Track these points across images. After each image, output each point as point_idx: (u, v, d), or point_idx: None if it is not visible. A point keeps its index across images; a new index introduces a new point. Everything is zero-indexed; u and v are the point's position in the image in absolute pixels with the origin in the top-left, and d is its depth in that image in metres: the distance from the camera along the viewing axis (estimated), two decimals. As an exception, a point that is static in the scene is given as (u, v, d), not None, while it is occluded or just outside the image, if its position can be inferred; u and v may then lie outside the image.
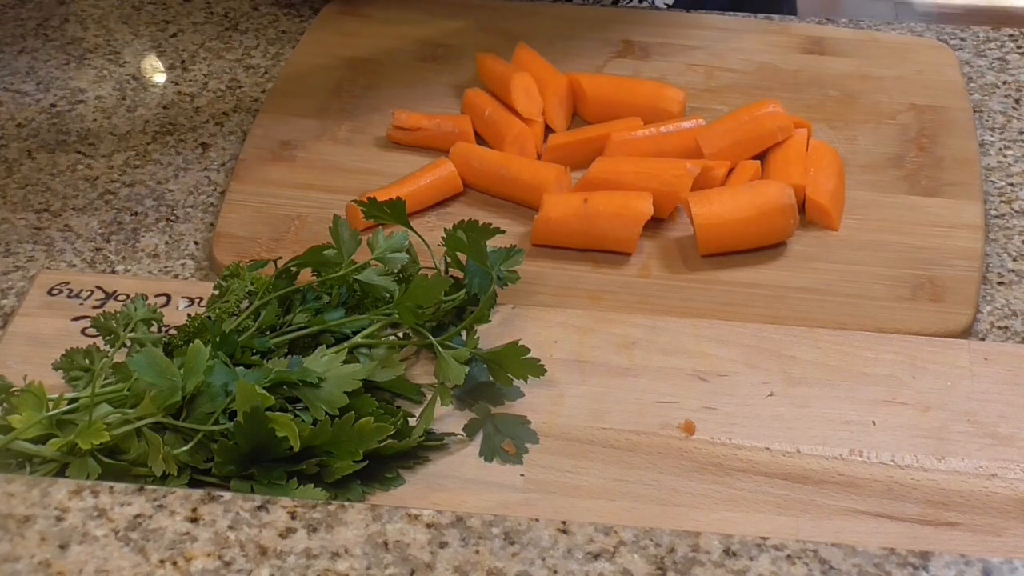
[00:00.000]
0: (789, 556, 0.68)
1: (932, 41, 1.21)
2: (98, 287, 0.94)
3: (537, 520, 0.69)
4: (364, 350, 0.86)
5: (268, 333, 0.87)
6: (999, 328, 0.93)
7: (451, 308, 0.89)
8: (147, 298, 0.89)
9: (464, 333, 0.88)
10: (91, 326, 0.88)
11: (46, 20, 1.26)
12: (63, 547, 0.67)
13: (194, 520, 0.69)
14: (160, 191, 1.06)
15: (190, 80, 1.18)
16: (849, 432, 0.84)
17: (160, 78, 1.19)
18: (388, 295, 0.88)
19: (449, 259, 0.92)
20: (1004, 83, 1.17)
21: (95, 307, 0.92)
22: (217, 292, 0.89)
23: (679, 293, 0.95)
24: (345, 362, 0.83)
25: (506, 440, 0.83)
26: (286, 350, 0.86)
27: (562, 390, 0.87)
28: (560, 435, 0.84)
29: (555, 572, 0.67)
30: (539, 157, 1.06)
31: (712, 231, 0.96)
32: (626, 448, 0.83)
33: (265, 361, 0.84)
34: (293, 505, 0.70)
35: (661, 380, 0.87)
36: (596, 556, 0.68)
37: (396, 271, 0.89)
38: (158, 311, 0.87)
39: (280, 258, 0.92)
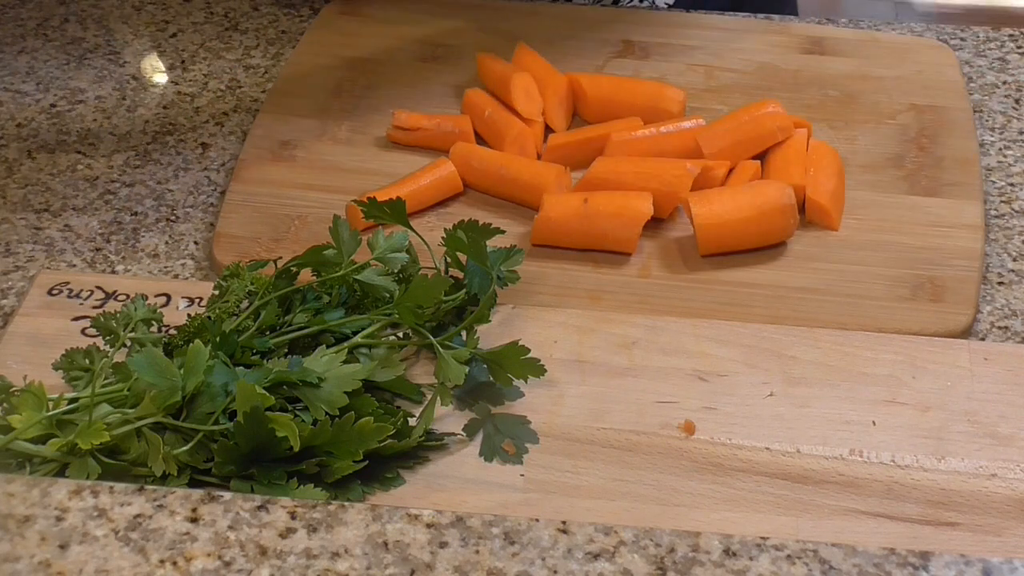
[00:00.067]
0: (789, 556, 0.68)
1: (932, 41, 1.21)
2: (98, 287, 0.94)
3: (537, 520, 0.69)
4: (364, 350, 0.86)
5: (268, 333, 0.87)
6: (999, 328, 0.93)
7: (451, 308, 0.89)
8: (147, 298, 0.89)
9: (464, 333, 0.88)
10: (91, 326, 0.88)
11: (46, 20, 1.26)
12: (63, 547, 0.67)
13: (194, 520, 0.69)
14: (160, 191, 1.06)
15: (190, 80, 1.18)
16: (849, 432, 0.84)
17: (160, 78, 1.19)
18: (388, 295, 0.88)
19: (449, 259, 0.92)
20: (1004, 83, 1.17)
21: (95, 307, 0.92)
22: (217, 292, 0.89)
23: (679, 293, 0.95)
24: (345, 362, 0.83)
25: (506, 440, 0.83)
26: (286, 350, 0.86)
27: (562, 390, 0.87)
28: (560, 435, 0.84)
29: (555, 572, 0.67)
30: (539, 157, 1.06)
31: (712, 231, 0.96)
32: (626, 448, 0.83)
33: (265, 361, 0.84)
34: (293, 505, 0.70)
35: (661, 380, 0.87)
36: (596, 556, 0.68)
37: (396, 271, 0.89)
38: (158, 311, 0.87)
39: (280, 258, 0.92)
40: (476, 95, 1.10)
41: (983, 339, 0.92)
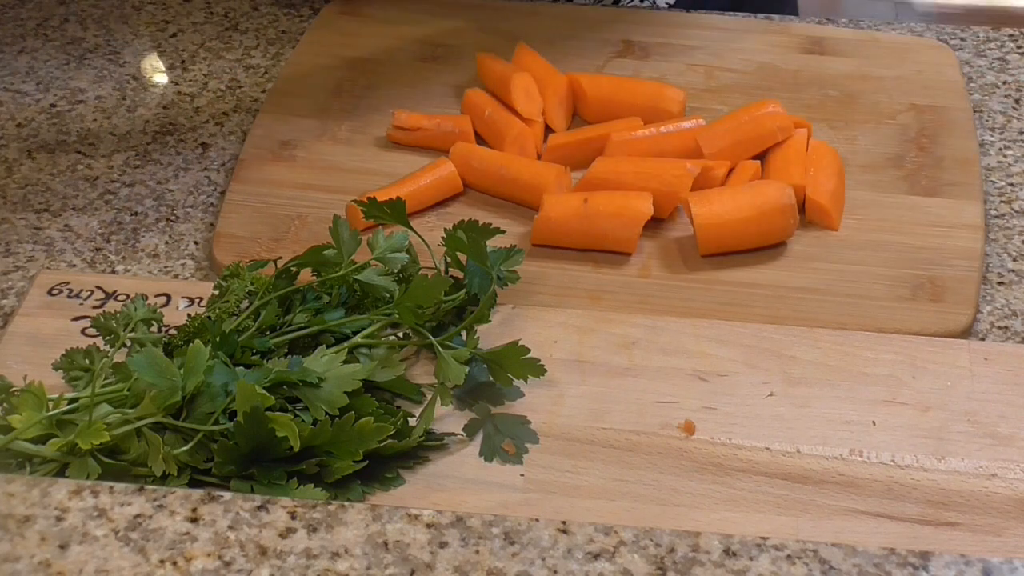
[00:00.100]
0: (789, 556, 0.68)
1: (932, 41, 1.21)
2: (98, 287, 0.94)
3: (537, 520, 0.69)
4: (364, 350, 0.86)
5: (268, 333, 0.87)
6: (999, 328, 0.93)
7: (451, 308, 0.89)
8: (147, 298, 0.89)
9: (464, 333, 0.88)
10: (91, 326, 0.88)
11: (46, 20, 1.26)
12: (63, 547, 0.67)
13: (194, 520, 0.69)
14: (160, 191, 1.06)
15: (190, 80, 1.18)
16: (849, 432, 0.84)
17: (160, 78, 1.19)
18: (388, 295, 0.88)
19: (449, 259, 0.92)
20: (1004, 83, 1.17)
21: (95, 307, 0.92)
22: (217, 292, 0.89)
23: (679, 293, 0.95)
24: (345, 362, 0.83)
25: (506, 440, 0.83)
26: (286, 350, 0.86)
27: (562, 390, 0.87)
28: (560, 435, 0.84)
29: (555, 572, 0.67)
30: (539, 157, 1.06)
31: (712, 231, 0.96)
32: (626, 448, 0.83)
33: (265, 361, 0.84)
34: (293, 505, 0.70)
35: (661, 380, 0.87)
36: (596, 556, 0.68)
37: (396, 271, 0.89)
38: (158, 311, 0.87)
39: (280, 258, 0.92)
40: (476, 95, 1.10)
41: (983, 339, 0.92)
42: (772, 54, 1.18)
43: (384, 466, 0.81)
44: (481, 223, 0.90)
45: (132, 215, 1.03)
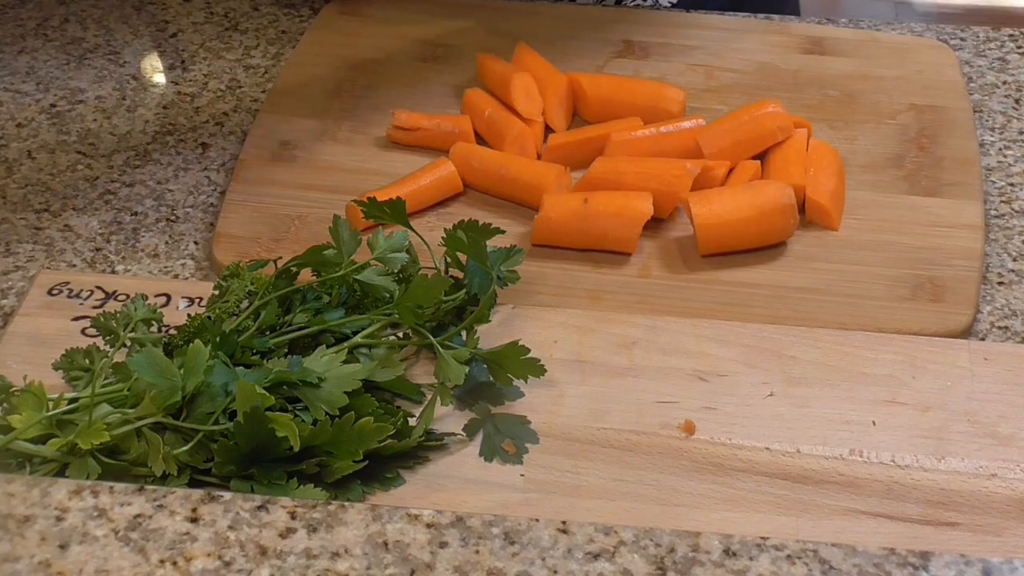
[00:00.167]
0: (789, 556, 0.68)
1: (932, 41, 1.21)
2: (98, 287, 0.94)
3: (537, 520, 0.69)
4: (364, 350, 0.86)
5: (268, 333, 0.87)
6: (999, 328, 0.93)
7: (451, 308, 0.89)
8: (147, 298, 0.89)
9: (464, 333, 0.88)
10: (91, 326, 0.88)
11: (46, 20, 1.26)
12: (63, 547, 0.67)
13: (194, 520, 0.69)
14: (160, 191, 1.06)
15: (190, 80, 1.18)
16: (849, 432, 0.84)
17: (160, 78, 1.19)
18: (388, 295, 0.88)
19: (449, 259, 0.92)
20: (1004, 83, 1.17)
21: (95, 307, 0.92)
22: (217, 292, 0.89)
23: (679, 293, 0.95)
24: (345, 362, 0.83)
25: (506, 440, 0.83)
26: (286, 350, 0.86)
27: (562, 390, 0.87)
28: (560, 435, 0.84)
29: (555, 572, 0.67)
30: (539, 157, 1.06)
31: (712, 231, 0.96)
32: (626, 448, 0.83)
33: (265, 361, 0.84)
34: (293, 505, 0.70)
35: (661, 380, 0.87)
36: (596, 556, 0.68)
37: (396, 271, 0.89)
38: (158, 311, 0.87)
39: (280, 258, 0.92)
40: (476, 95, 1.10)
41: (983, 339, 0.92)
42: (772, 54, 1.18)
43: (384, 466, 0.81)
44: (481, 223, 0.90)
45: (132, 215, 1.03)
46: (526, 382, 0.86)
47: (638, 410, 0.85)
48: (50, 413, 0.80)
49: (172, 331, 0.87)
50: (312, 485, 0.78)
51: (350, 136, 1.09)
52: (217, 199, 1.05)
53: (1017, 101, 1.15)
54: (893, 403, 0.86)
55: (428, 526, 0.69)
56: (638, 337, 0.90)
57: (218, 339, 0.83)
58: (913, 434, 0.84)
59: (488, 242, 0.90)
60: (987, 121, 1.12)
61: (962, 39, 1.22)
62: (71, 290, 0.93)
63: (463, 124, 1.07)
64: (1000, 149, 1.09)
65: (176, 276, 0.98)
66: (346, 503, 0.71)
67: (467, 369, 0.85)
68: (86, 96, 1.16)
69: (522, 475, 0.82)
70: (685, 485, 0.81)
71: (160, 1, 1.28)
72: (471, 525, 0.69)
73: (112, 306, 0.92)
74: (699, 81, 1.15)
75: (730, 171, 1.02)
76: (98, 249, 1.00)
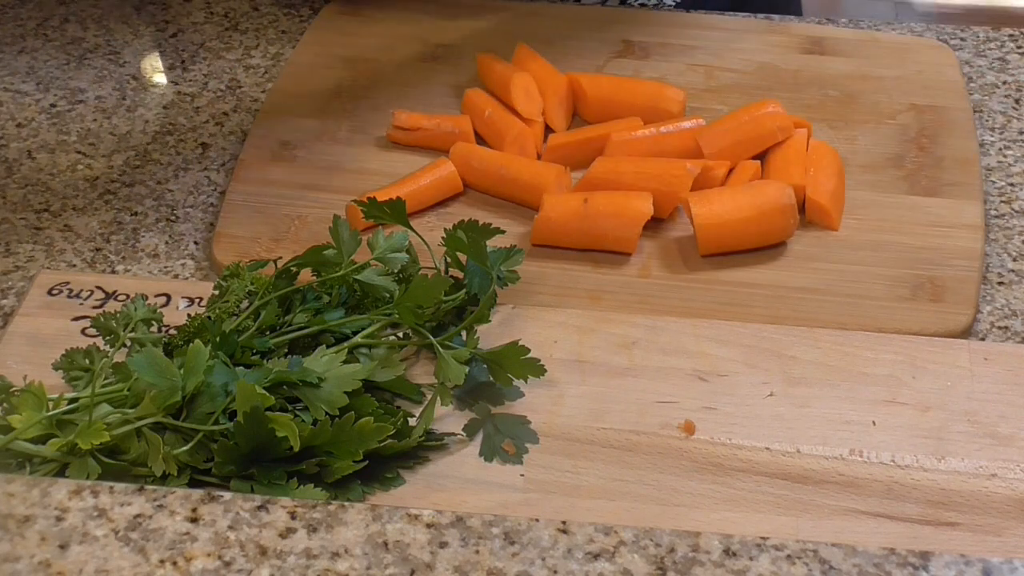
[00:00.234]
0: (789, 556, 0.68)
1: (932, 41, 1.21)
2: (98, 287, 0.94)
3: (537, 520, 0.69)
4: (364, 350, 0.86)
5: (268, 333, 0.87)
6: (999, 328, 0.93)
7: (451, 308, 0.89)
8: (147, 298, 0.89)
9: (464, 333, 0.88)
10: (91, 326, 0.88)
11: (46, 20, 1.26)
12: (63, 547, 0.67)
13: (194, 520, 0.69)
14: (160, 191, 1.06)
15: (190, 80, 1.18)
16: (849, 432, 0.84)
17: (160, 78, 1.19)
18: (388, 295, 0.88)
19: (449, 259, 0.92)
20: (1004, 83, 1.17)
21: (95, 307, 0.92)
22: (217, 292, 0.89)
23: (679, 293, 0.95)
24: (345, 362, 0.83)
25: (506, 440, 0.83)
26: (286, 350, 0.86)
27: (562, 390, 0.87)
28: (560, 435, 0.84)
29: (555, 572, 0.67)
30: (539, 157, 1.06)
31: (712, 231, 0.96)
32: (626, 448, 0.83)
33: (265, 361, 0.84)
34: (293, 505, 0.70)
35: (661, 380, 0.87)
36: (596, 556, 0.68)
37: (396, 271, 0.89)
38: (158, 311, 0.87)
39: (280, 258, 0.92)
40: (476, 95, 1.10)
41: (983, 339, 0.92)
42: (772, 54, 1.18)
43: (384, 466, 0.81)
44: (481, 223, 0.90)
45: (132, 215, 1.03)
46: (526, 382, 0.86)
47: (638, 410, 0.85)
48: (50, 413, 0.80)
49: (172, 331, 0.87)
50: (312, 485, 0.78)
51: (350, 136, 1.09)
52: (217, 199, 1.05)
53: (1017, 101, 1.15)
54: (893, 403, 0.86)
55: (428, 526, 0.69)
56: (638, 337, 0.90)
57: (218, 339, 0.83)
58: (913, 434, 0.84)
59: (488, 242, 0.90)
60: (987, 121, 1.12)
61: (962, 39, 1.22)
62: (71, 290, 0.93)
63: (463, 124, 1.07)
64: (1000, 149, 1.09)
65: (176, 276, 0.98)
66: (346, 503, 0.71)
67: (467, 369, 0.85)
68: (86, 96, 1.16)
69: (522, 475, 0.82)
70: (685, 485, 0.81)
71: (160, 1, 1.28)
72: (471, 525, 0.69)
73: (112, 306, 0.92)
74: (699, 81, 1.15)
75: (730, 171, 1.02)
76: (98, 249, 1.00)
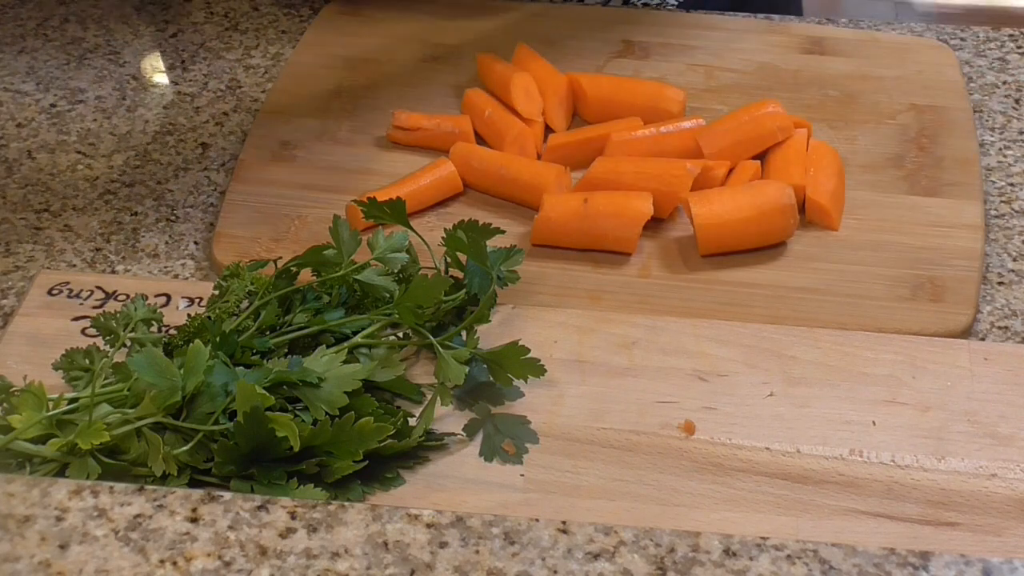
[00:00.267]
0: (789, 556, 0.68)
1: (932, 41, 1.21)
2: (98, 287, 0.94)
3: (537, 520, 0.69)
4: (364, 350, 0.86)
5: (268, 333, 0.87)
6: (999, 328, 0.93)
7: (451, 308, 0.89)
8: (147, 298, 0.89)
9: (464, 333, 0.88)
10: (91, 326, 0.88)
11: (46, 20, 1.26)
12: (63, 547, 0.67)
13: (194, 520, 0.69)
14: (160, 191, 1.06)
15: (190, 80, 1.18)
16: (849, 432, 0.84)
17: (160, 78, 1.19)
18: (388, 295, 0.88)
19: (449, 259, 0.92)
20: (1004, 83, 1.17)
21: (95, 307, 0.92)
22: (217, 292, 0.89)
23: (679, 293, 0.95)
24: (345, 362, 0.83)
25: (506, 440, 0.83)
26: (286, 350, 0.86)
27: (562, 390, 0.87)
28: (560, 435, 0.84)
29: (555, 572, 0.67)
30: (539, 157, 1.06)
31: (712, 231, 0.96)
32: (626, 448, 0.83)
33: (265, 361, 0.84)
34: (293, 505, 0.70)
35: (661, 380, 0.87)
36: (596, 556, 0.68)
37: (396, 271, 0.89)
38: (158, 311, 0.87)
39: (280, 258, 0.92)
40: (476, 95, 1.10)
41: (983, 339, 0.92)
42: (772, 54, 1.18)
43: (384, 466, 0.81)
44: (481, 223, 0.90)
45: (132, 215, 1.03)
46: (526, 382, 0.86)
47: (638, 410, 0.85)
48: (50, 413, 0.80)
49: (172, 331, 0.87)
50: (312, 485, 0.78)
51: (350, 136, 1.09)
52: (217, 199, 1.05)
53: (1017, 101, 1.15)
54: (893, 403, 0.86)
55: (428, 526, 0.69)
56: (638, 337, 0.90)
57: (218, 339, 0.83)
58: (913, 434, 0.84)
59: (488, 242, 0.90)
60: (987, 121, 1.12)
61: (962, 39, 1.22)
62: (71, 290, 0.93)
63: (463, 124, 1.07)
64: (1000, 149, 1.09)
65: (176, 276, 0.98)
66: (346, 503, 0.71)
67: (467, 369, 0.85)
68: (86, 96, 1.16)
69: (522, 475, 0.82)
70: (685, 485, 0.81)
71: (160, 1, 1.28)
72: (471, 525, 0.69)
73: (112, 306, 0.92)
74: (699, 81, 1.15)
75: (730, 171, 1.02)
76: (98, 249, 1.00)
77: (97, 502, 0.70)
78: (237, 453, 0.78)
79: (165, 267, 0.98)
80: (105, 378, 0.82)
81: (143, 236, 1.01)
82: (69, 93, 1.16)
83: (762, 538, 0.68)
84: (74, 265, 0.98)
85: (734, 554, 0.68)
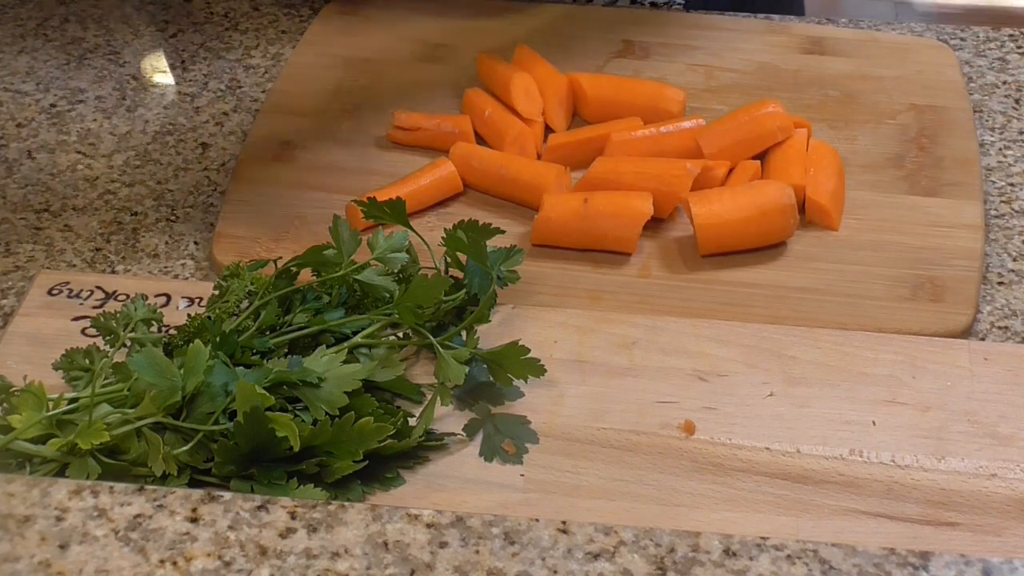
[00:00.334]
0: (789, 556, 0.68)
1: (932, 41, 1.21)
2: (98, 287, 0.94)
3: (537, 520, 0.69)
4: (364, 350, 0.86)
5: (268, 333, 0.87)
6: (999, 328, 0.93)
7: (451, 308, 0.89)
8: (147, 298, 0.89)
9: (464, 333, 0.88)
10: (91, 326, 0.88)
11: (46, 20, 1.26)
12: (63, 547, 0.67)
13: (194, 520, 0.69)
14: (160, 191, 1.06)
15: (190, 80, 1.18)
16: (849, 432, 0.84)
17: (160, 78, 1.19)
18: (388, 295, 0.88)
19: (449, 259, 0.92)
20: (1004, 83, 1.17)
21: (95, 307, 0.92)
22: (217, 292, 0.89)
23: (679, 293, 0.95)
24: (345, 362, 0.83)
25: (506, 440, 0.83)
26: (286, 350, 0.86)
27: (562, 390, 0.87)
28: (560, 435, 0.84)
29: (555, 572, 0.67)
30: (539, 157, 1.06)
31: (712, 231, 0.96)
32: (626, 448, 0.83)
33: (265, 361, 0.84)
34: (293, 505, 0.70)
35: (661, 380, 0.87)
36: (596, 556, 0.68)
37: (396, 271, 0.89)
38: (158, 311, 0.87)
39: (280, 258, 0.92)
40: (476, 95, 1.10)
41: (983, 339, 0.92)
42: (772, 54, 1.18)
43: (384, 466, 0.81)
44: (481, 223, 0.90)
45: (132, 215, 1.03)
46: (526, 382, 0.86)
47: (638, 410, 0.85)
48: (50, 413, 0.80)
49: (172, 331, 0.87)
50: (312, 485, 0.78)
51: (350, 136, 1.09)
52: (217, 199, 1.05)
53: (1017, 101, 1.15)
54: (893, 403, 0.86)
55: (428, 526, 0.69)
56: (638, 337, 0.90)
57: (218, 339, 0.83)
58: (913, 434, 0.84)
59: (488, 242, 0.90)
60: (987, 121, 1.12)
61: (962, 39, 1.22)
62: (71, 290, 0.93)
63: (463, 124, 1.07)
64: (1000, 149, 1.09)
65: (176, 276, 0.98)
66: (346, 503, 0.71)
67: (467, 369, 0.85)
68: (86, 96, 1.16)
69: (522, 475, 0.82)
70: (685, 485, 0.81)
71: (160, 1, 1.28)
72: (471, 525, 0.69)
73: (112, 306, 0.92)
74: (699, 81, 1.15)
75: (730, 171, 1.02)
76: (98, 249, 1.00)
77: (97, 502, 0.70)
78: (237, 453, 0.78)
79: (165, 267, 0.98)
80: (105, 378, 0.82)
81: (143, 236, 1.01)
82: (69, 93, 1.16)
83: (762, 538, 0.68)
84: (74, 265, 0.98)
85: (734, 554, 0.68)
